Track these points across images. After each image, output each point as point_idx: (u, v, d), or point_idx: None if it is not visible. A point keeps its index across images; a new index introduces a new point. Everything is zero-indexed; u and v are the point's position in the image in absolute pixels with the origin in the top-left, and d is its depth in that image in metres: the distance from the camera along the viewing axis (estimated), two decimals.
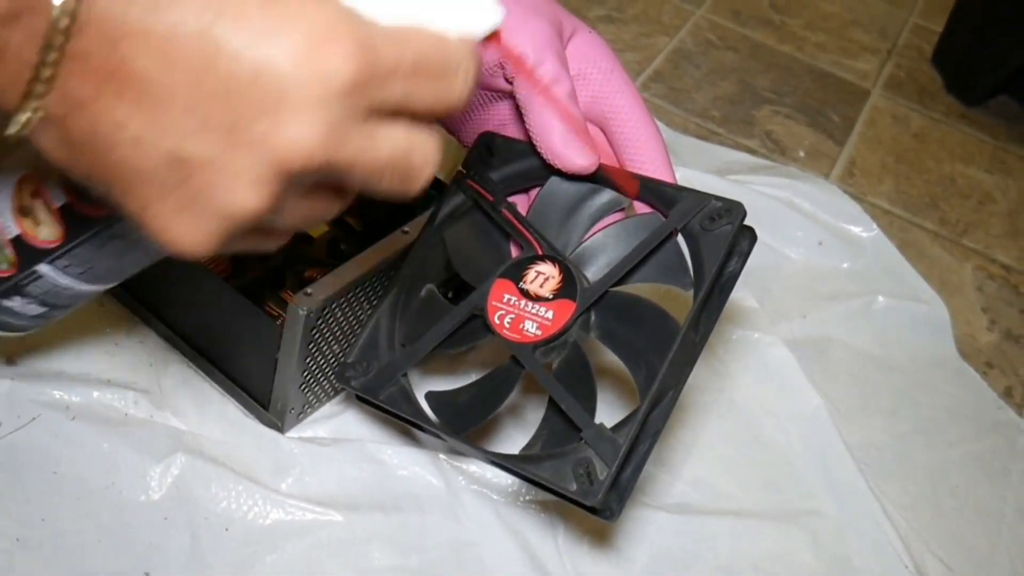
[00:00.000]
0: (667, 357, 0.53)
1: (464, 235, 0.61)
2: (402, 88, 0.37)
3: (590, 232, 0.60)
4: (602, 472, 0.51)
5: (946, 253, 0.97)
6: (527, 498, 0.64)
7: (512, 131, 0.61)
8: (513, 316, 0.56)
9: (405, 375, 0.57)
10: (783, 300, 0.84)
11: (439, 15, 0.38)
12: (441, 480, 0.63)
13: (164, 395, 0.63)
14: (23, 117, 0.35)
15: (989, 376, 0.84)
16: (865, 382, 0.80)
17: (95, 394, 0.62)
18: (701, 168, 0.90)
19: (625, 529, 0.65)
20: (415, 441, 0.65)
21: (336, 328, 0.60)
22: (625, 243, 0.58)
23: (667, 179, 0.59)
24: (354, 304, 0.60)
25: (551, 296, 0.56)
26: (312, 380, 0.62)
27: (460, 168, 0.62)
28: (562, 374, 0.55)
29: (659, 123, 0.98)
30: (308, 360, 0.60)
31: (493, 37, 0.41)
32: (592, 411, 0.54)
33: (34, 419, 0.60)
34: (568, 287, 0.56)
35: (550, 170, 0.58)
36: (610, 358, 0.57)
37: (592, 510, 0.52)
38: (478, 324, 0.57)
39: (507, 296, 0.57)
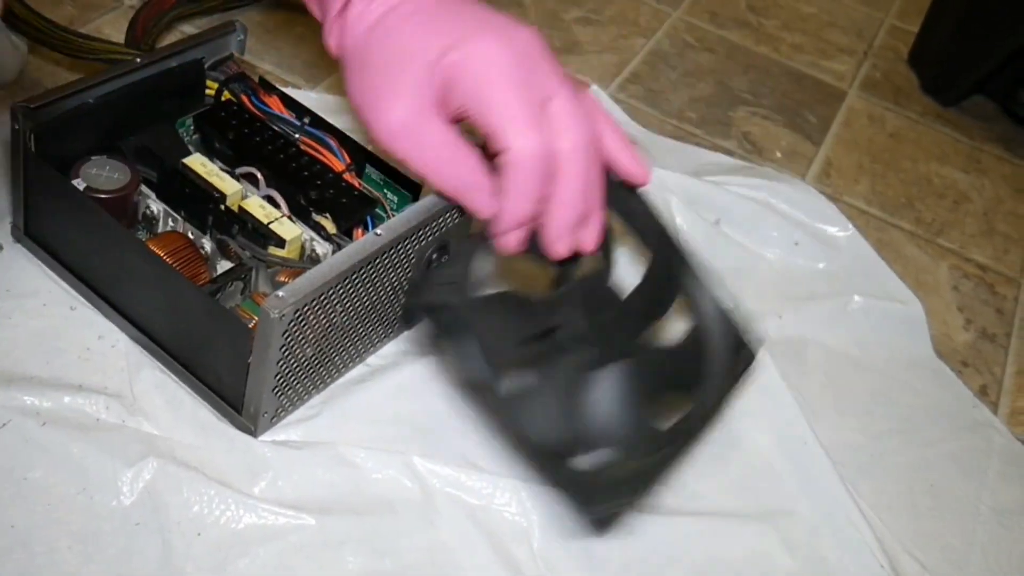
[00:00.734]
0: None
1: None
2: None
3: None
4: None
5: (922, 253, 0.97)
6: (501, 501, 0.64)
7: None
8: None
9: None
10: (759, 301, 0.84)
11: None
12: (415, 483, 0.63)
13: (136, 400, 0.63)
14: None
15: (965, 375, 0.85)
16: (841, 382, 0.81)
17: (66, 399, 0.61)
18: (678, 169, 0.90)
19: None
20: (389, 445, 0.65)
21: (309, 331, 0.60)
22: None
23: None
24: (327, 307, 0.60)
25: None
26: (285, 384, 0.62)
27: None
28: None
29: (636, 125, 0.99)
30: (281, 364, 0.60)
31: None
32: None
33: (3, 425, 0.59)
34: None
35: None
36: None
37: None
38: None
39: None
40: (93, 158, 0.67)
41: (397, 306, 0.68)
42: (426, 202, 0.65)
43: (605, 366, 0.59)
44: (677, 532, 0.66)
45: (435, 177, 0.58)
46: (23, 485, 0.58)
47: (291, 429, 0.64)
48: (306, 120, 0.74)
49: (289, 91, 0.76)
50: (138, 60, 0.69)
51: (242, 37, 0.75)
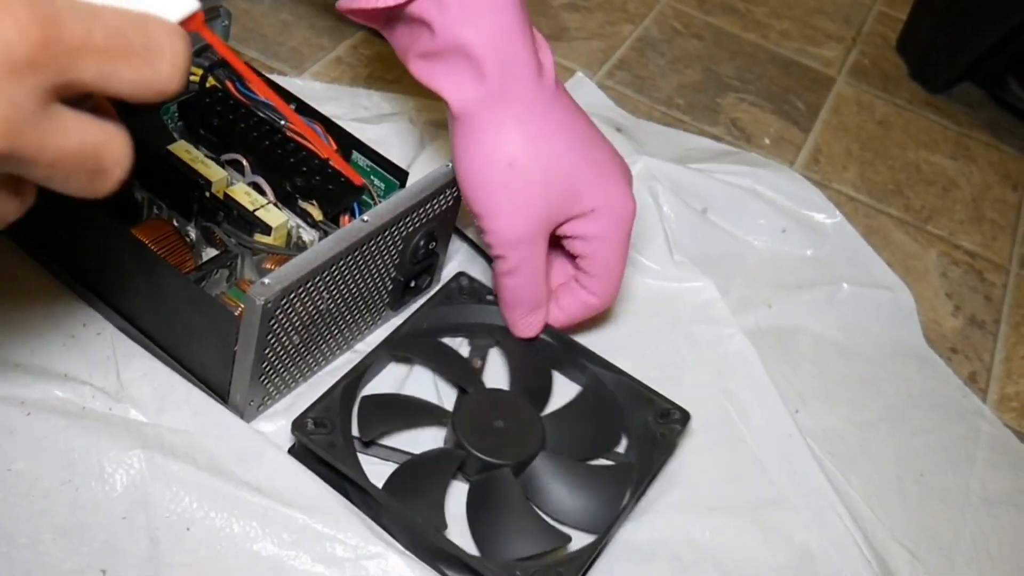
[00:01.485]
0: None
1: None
2: (95, 68, 0.34)
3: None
4: None
5: (910, 239, 0.97)
6: None
7: None
8: None
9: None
10: (747, 289, 0.84)
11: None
12: None
13: (123, 388, 0.62)
14: None
15: (953, 362, 0.85)
16: (830, 370, 0.80)
17: (51, 388, 0.61)
18: (664, 156, 0.90)
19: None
20: None
21: (295, 318, 0.60)
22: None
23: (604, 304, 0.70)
24: (313, 294, 0.60)
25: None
26: (272, 371, 0.61)
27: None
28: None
29: (623, 111, 0.99)
30: (267, 351, 0.59)
31: (193, 22, 0.39)
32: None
33: None
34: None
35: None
36: None
37: None
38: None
39: None
40: None
41: (384, 293, 0.68)
42: (413, 189, 0.65)
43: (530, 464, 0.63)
44: (660, 524, 0.65)
45: (524, 282, 0.66)
46: (7, 476, 0.57)
47: (278, 417, 0.64)
48: (292, 107, 0.73)
49: (274, 78, 0.75)
50: None
51: (227, 23, 0.74)
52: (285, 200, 0.68)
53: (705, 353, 0.77)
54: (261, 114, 0.72)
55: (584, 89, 1.00)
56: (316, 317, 0.62)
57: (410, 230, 0.65)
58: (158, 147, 0.68)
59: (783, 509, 0.69)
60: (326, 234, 0.66)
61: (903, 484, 0.73)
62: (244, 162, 0.70)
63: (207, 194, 0.66)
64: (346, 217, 0.69)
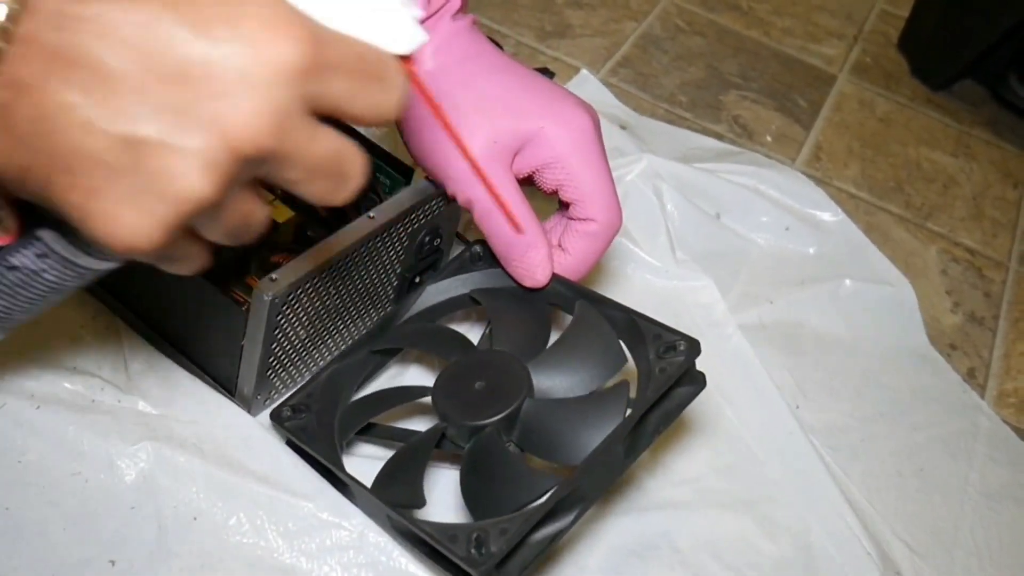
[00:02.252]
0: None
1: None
2: (345, 85, 0.38)
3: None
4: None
5: (911, 236, 0.97)
6: None
7: None
8: None
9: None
10: (751, 286, 0.85)
11: (363, 30, 0.40)
12: None
13: (131, 380, 0.63)
14: None
15: (953, 358, 0.85)
16: (832, 366, 0.81)
17: (60, 381, 0.62)
18: (667, 155, 0.90)
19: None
20: None
21: (302, 314, 0.60)
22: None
23: (613, 228, 0.66)
24: (320, 290, 0.60)
25: None
26: (278, 366, 0.62)
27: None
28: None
29: (627, 108, 0.99)
30: (274, 346, 0.60)
31: (407, 61, 0.42)
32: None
33: None
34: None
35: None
36: None
37: None
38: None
39: None
40: None
41: (389, 289, 0.69)
42: (419, 185, 0.65)
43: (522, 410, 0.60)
44: (661, 518, 0.66)
45: (504, 218, 0.63)
46: (17, 468, 0.58)
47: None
48: None
49: None
50: None
51: None
52: (292, 196, 0.69)
53: (705, 351, 0.77)
54: None
55: (588, 86, 1.01)
56: (322, 312, 0.63)
57: (415, 226, 0.66)
58: None
59: (783, 503, 0.69)
60: (332, 231, 0.67)
61: (903, 478, 0.74)
62: None
63: None
64: (352, 213, 0.69)
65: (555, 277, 0.66)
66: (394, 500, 0.56)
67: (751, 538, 0.67)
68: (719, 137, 1.02)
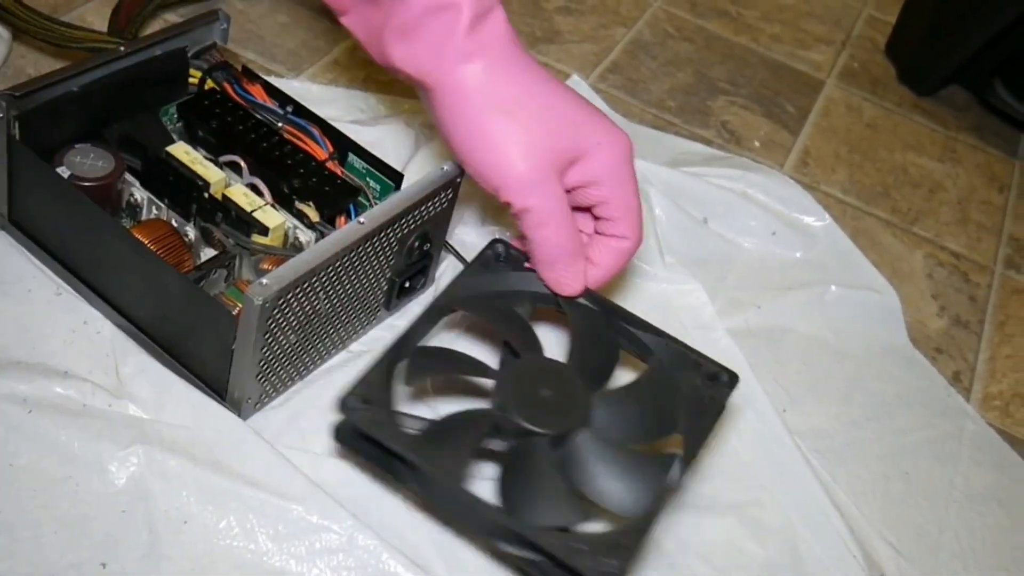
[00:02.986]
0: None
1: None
2: None
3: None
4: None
5: (897, 241, 0.98)
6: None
7: None
8: None
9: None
10: (737, 290, 0.85)
11: None
12: None
13: (122, 384, 0.63)
14: None
15: (938, 362, 0.86)
16: (818, 370, 0.82)
17: (52, 386, 0.62)
18: (656, 160, 0.91)
19: None
20: None
21: (292, 318, 0.61)
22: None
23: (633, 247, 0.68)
24: (310, 294, 0.61)
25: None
26: (269, 370, 0.63)
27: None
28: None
29: (616, 114, 1.00)
30: (264, 350, 0.60)
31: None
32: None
33: None
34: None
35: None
36: None
37: None
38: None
39: None
40: (77, 146, 0.67)
41: (379, 293, 0.69)
42: (408, 191, 0.66)
43: (572, 438, 0.61)
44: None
45: (556, 230, 0.64)
46: (9, 472, 0.58)
47: (274, 414, 0.65)
48: (289, 109, 0.74)
49: (272, 80, 0.76)
50: (122, 49, 0.69)
51: (225, 26, 0.75)
52: (282, 201, 0.70)
53: None
54: (259, 116, 0.73)
55: (577, 91, 1.01)
56: (312, 317, 0.63)
57: (405, 231, 0.66)
58: (157, 148, 0.69)
59: (770, 506, 0.70)
60: (322, 235, 0.67)
61: (889, 481, 0.75)
62: (242, 163, 0.71)
63: (206, 195, 0.68)
64: (342, 219, 0.70)
65: (586, 290, 0.67)
66: (436, 467, 0.56)
67: (738, 540, 0.67)
68: (708, 142, 1.02)
